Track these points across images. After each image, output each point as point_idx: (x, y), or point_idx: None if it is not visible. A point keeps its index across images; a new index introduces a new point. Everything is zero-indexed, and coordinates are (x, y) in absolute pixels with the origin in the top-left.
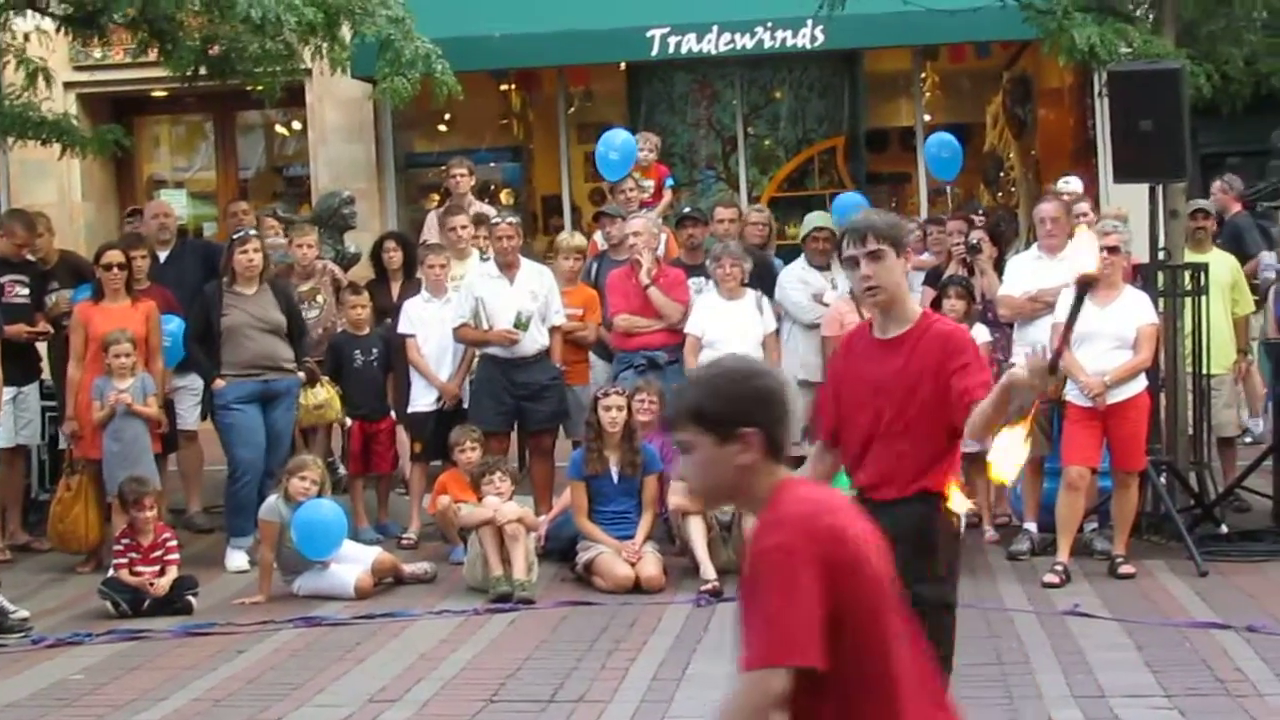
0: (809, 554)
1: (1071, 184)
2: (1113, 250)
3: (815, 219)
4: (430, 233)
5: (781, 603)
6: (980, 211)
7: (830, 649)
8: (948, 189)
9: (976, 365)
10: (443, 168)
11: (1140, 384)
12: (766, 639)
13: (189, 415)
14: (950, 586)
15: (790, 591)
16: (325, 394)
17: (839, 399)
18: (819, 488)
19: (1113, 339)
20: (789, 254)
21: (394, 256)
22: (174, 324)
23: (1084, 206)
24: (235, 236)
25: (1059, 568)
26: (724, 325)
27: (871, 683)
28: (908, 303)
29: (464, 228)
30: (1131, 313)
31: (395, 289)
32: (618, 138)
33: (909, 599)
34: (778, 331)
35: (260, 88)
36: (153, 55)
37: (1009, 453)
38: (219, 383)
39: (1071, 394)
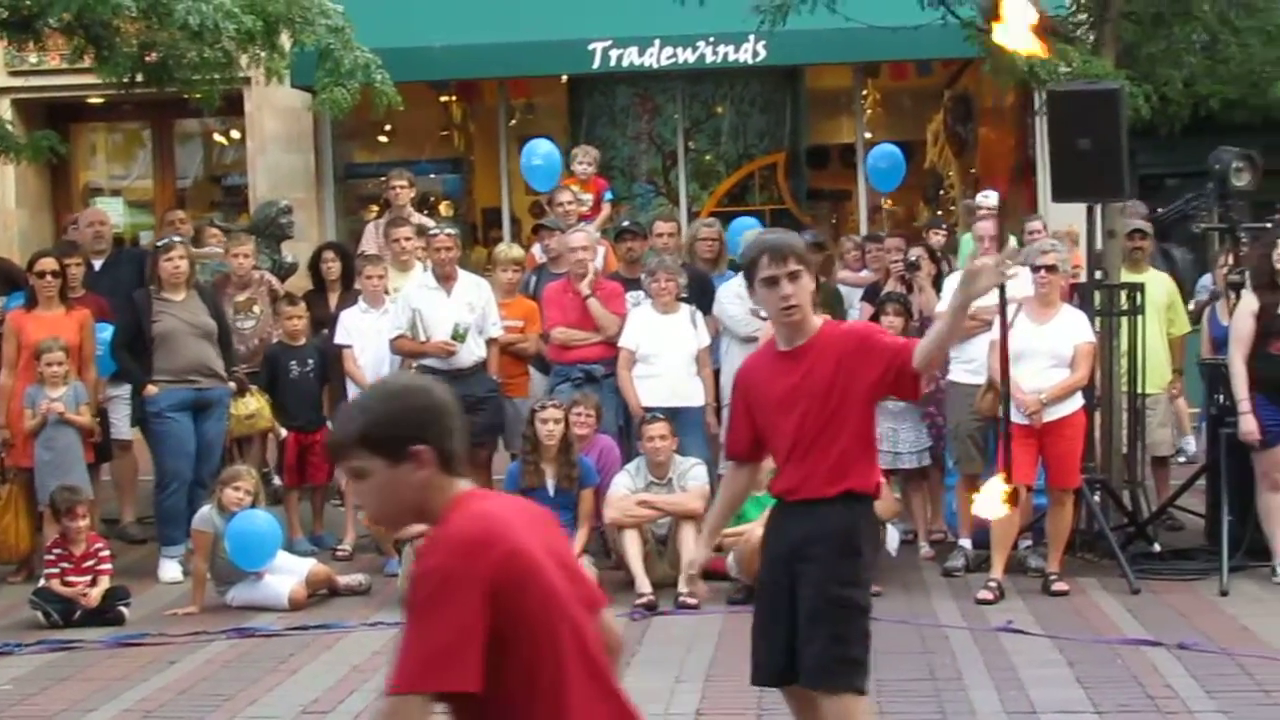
0: (469, 575)
1: (990, 198)
2: (1050, 269)
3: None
4: (369, 244)
5: (433, 626)
6: (944, 228)
7: (498, 670)
8: (882, 204)
9: (889, 339)
10: (382, 178)
11: (1076, 402)
12: (412, 663)
13: (123, 425)
14: (867, 590)
15: (444, 614)
16: (256, 404)
17: (753, 415)
18: (497, 501)
19: (1050, 357)
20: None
21: (332, 267)
22: (108, 332)
23: (1037, 225)
24: (159, 244)
25: (993, 584)
26: (658, 339)
27: (543, 701)
28: (811, 317)
29: (408, 239)
30: (1069, 331)
31: (333, 300)
32: (541, 146)
33: (833, 601)
34: (712, 346)
35: (199, 96)
36: (89, 61)
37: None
38: (151, 389)
39: None
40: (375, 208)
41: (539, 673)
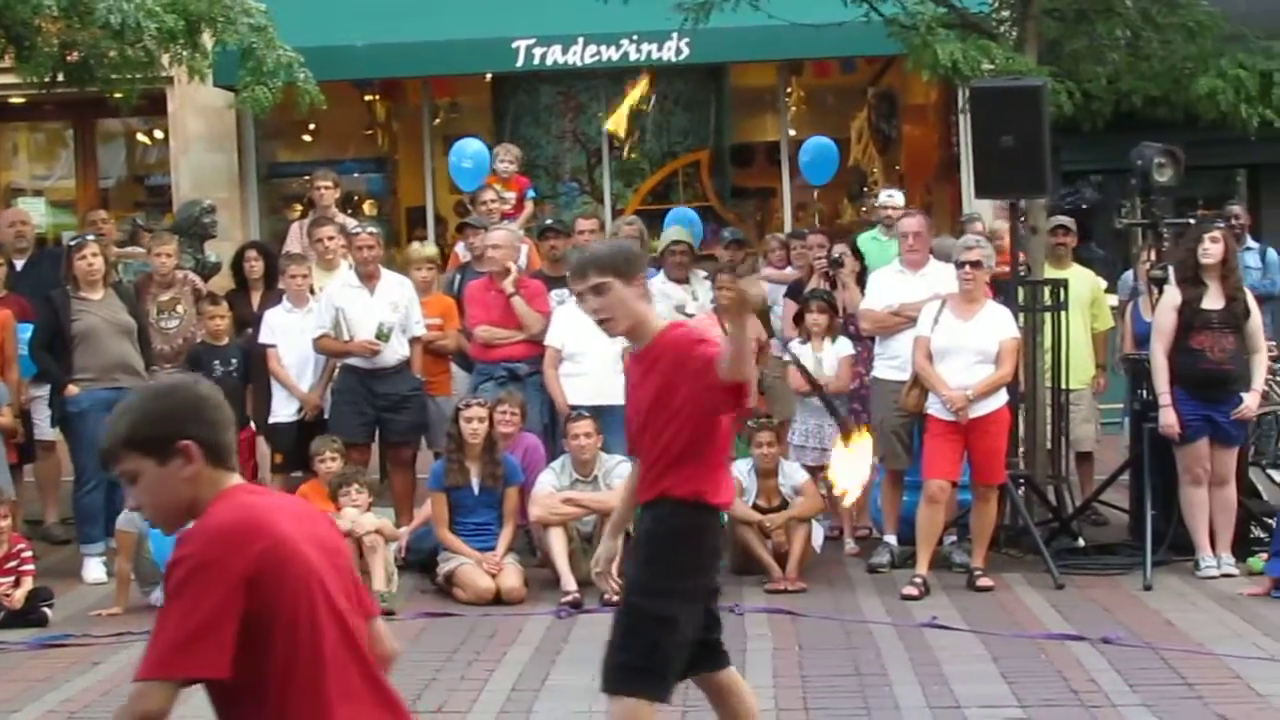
0: (223, 564)
1: (895, 198)
2: (975, 265)
3: (673, 233)
4: (293, 244)
5: (182, 613)
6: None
7: (254, 658)
8: (814, 199)
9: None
10: (306, 178)
11: (1001, 398)
12: (159, 649)
13: (46, 425)
14: (669, 599)
15: (194, 602)
16: None
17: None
18: (266, 496)
19: (975, 353)
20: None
21: (255, 266)
22: (30, 333)
23: (979, 227)
24: (72, 243)
25: (918, 580)
26: (584, 337)
27: (303, 689)
28: (650, 321)
29: (331, 239)
30: (994, 327)
31: (256, 299)
32: (470, 147)
33: (630, 607)
34: None
35: (119, 95)
36: (9, 61)
37: (851, 466)
38: (72, 389)
39: (933, 407)
40: (299, 207)
41: (296, 663)
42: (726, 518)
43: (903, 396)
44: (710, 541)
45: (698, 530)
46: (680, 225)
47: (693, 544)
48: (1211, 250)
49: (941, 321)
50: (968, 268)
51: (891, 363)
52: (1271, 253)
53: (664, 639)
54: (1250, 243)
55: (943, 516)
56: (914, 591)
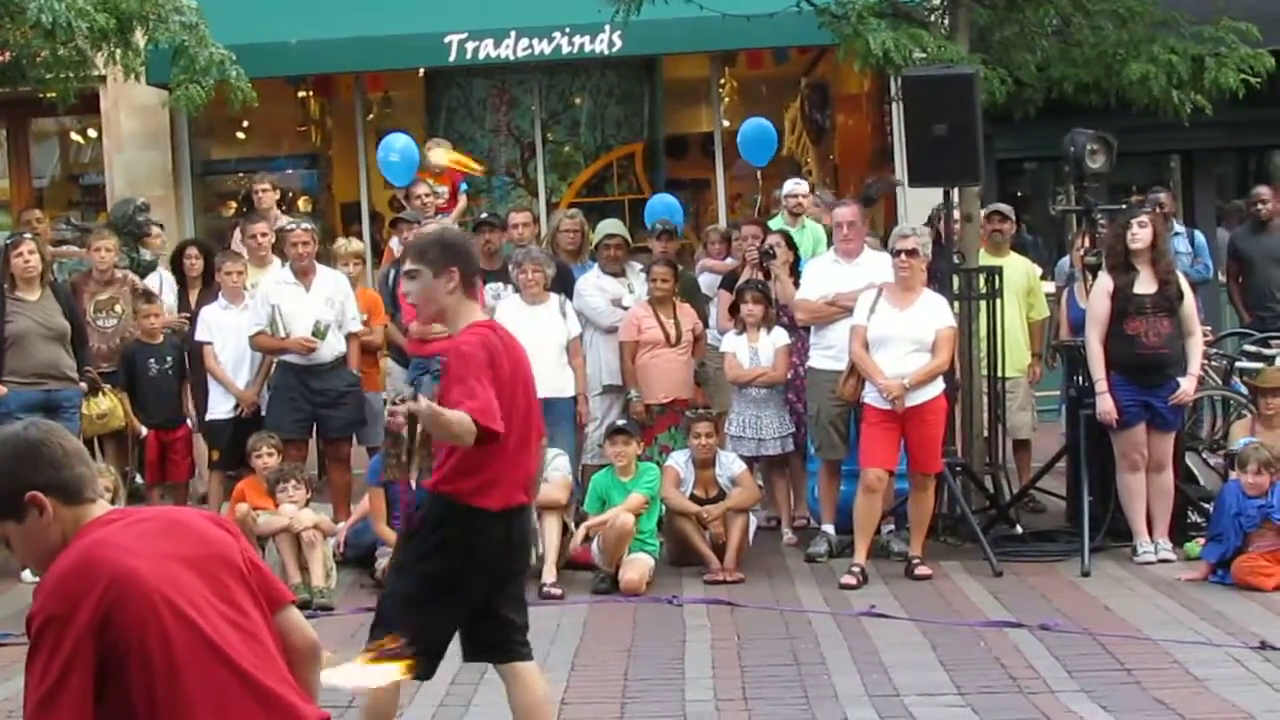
0: (64, 619)
1: (801, 186)
2: (910, 253)
3: (607, 226)
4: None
5: (36, 676)
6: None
7: (119, 694)
8: (758, 179)
9: (459, 379)
10: (241, 175)
11: (938, 387)
12: (27, 714)
13: None
14: (402, 574)
15: (44, 663)
16: (108, 403)
17: None
18: (116, 521)
19: (912, 342)
20: None
21: (195, 264)
22: None
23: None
24: (8, 241)
25: (856, 569)
26: (527, 330)
27: (168, 713)
28: (457, 319)
29: (264, 235)
30: (930, 316)
31: (194, 296)
32: (398, 141)
33: None
34: (581, 336)
35: (52, 94)
36: None
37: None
38: (0, 389)
39: (870, 396)
40: (233, 204)
41: (155, 690)
42: (663, 509)
43: (839, 386)
44: (448, 533)
45: (439, 522)
46: (662, 213)
47: (430, 532)
48: (1140, 235)
49: (878, 310)
50: (903, 256)
51: (827, 352)
52: (1199, 235)
53: (395, 606)
54: (1177, 227)
55: (880, 505)
56: (852, 581)
